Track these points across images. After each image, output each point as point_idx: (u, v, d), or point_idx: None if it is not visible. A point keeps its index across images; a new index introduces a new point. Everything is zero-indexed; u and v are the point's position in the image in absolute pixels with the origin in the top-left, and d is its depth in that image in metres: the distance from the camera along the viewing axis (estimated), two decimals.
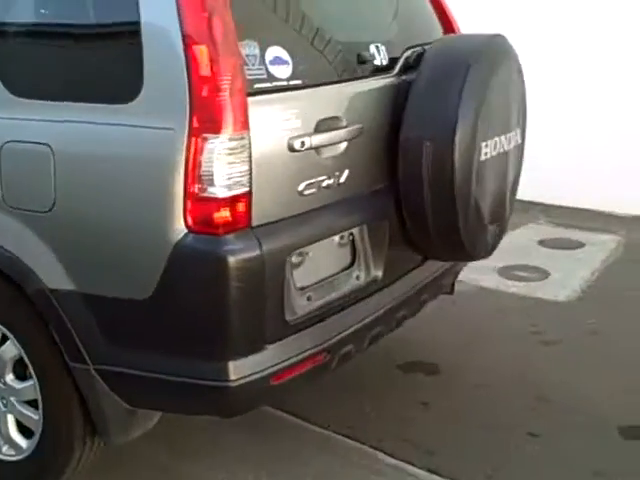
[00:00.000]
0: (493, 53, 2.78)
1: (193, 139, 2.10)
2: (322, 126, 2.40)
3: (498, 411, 3.24)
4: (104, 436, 2.47)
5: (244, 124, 2.14)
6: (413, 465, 2.87)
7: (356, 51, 2.64)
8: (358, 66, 2.64)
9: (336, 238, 2.58)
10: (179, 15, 2.09)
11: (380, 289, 2.74)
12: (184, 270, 2.17)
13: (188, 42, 2.09)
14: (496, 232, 2.96)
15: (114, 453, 2.70)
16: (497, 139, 2.77)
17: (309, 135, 2.34)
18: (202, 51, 2.08)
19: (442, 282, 3.19)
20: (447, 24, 3.29)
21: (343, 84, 2.56)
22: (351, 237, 2.64)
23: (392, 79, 2.73)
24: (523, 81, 3.01)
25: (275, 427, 3.10)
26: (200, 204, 2.13)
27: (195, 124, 2.10)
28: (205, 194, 2.13)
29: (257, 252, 2.17)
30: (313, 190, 2.40)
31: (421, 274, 2.97)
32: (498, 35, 2.87)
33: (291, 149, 2.29)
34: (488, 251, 2.98)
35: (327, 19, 2.69)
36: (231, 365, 2.23)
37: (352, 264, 2.66)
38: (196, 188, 2.12)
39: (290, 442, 3.01)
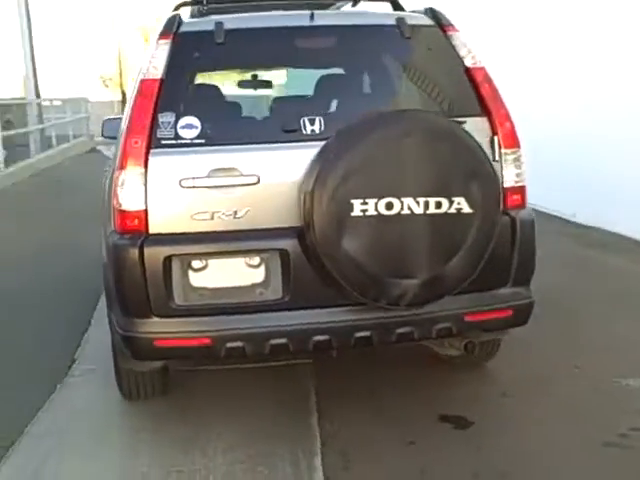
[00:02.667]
0: (385, 125, 3.23)
1: (116, 172, 3.44)
2: (218, 173, 3.38)
3: None
4: None
5: (134, 164, 3.36)
6: None
7: (280, 122, 3.47)
8: (276, 133, 3.44)
9: (242, 259, 3.45)
10: None
11: (286, 309, 3.43)
12: (109, 255, 3.49)
13: None
14: (420, 287, 3.30)
15: None
16: (390, 200, 3.20)
17: (200, 178, 3.37)
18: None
19: (400, 331, 3.49)
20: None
21: (254, 145, 3.44)
22: (262, 261, 3.45)
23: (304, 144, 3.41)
24: (456, 151, 3.27)
25: None
26: (117, 214, 3.44)
27: (117, 164, 3.44)
28: (119, 208, 3.43)
29: (138, 247, 3.34)
30: (205, 217, 3.39)
31: (360, 313, 3.43)
32: (411, 111, 3.27)
33: (183, 186, 3.38)
34: (410, 302, 3.33)
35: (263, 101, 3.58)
36: (126, 322, 3.45)
37: (262, 283, 3.46)
38: (116, 203, 3.45)
39: None
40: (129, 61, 35.26)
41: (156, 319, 3.38)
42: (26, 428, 3.87)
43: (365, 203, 3.20)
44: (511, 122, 3.64)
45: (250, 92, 3.93)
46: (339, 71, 3.89)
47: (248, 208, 3.40)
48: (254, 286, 3.43)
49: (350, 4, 4.69)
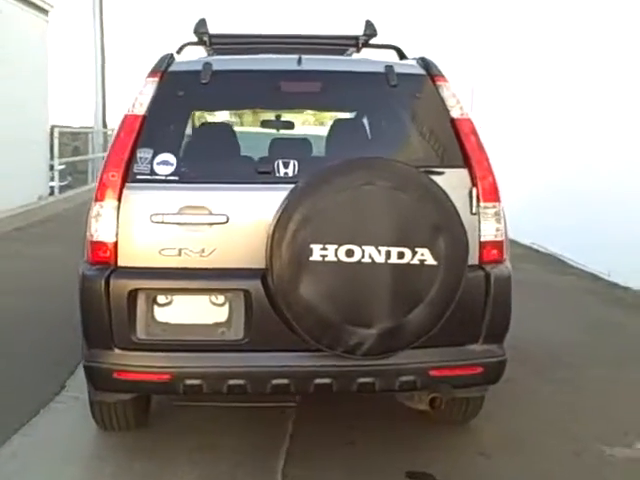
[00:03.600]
0: (348, 172, 3.22)
1: (92, 204, 3.50)
2: (188, 210, 3.41)
3: None
4: None
5: (108, 197, 3.42)
6: None
7: (255, 163, 3.49)
8: (250, 174, 3.46)
9: (207, 297, 3.46)
10: None
11: (246, 350, 3.42)
12: (78, 285, 3.54)
13: None
14: (378, 337, 3.25)
15: None
16: (350, 247, 3.18)
17: (170, 214, 3.41)
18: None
19: (358, 381, 3.44)
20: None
21: (227, 185, 3.46)
22: (226, 300, 3.45)
23: (276, 186, 3.40)
24: (421, 202, 3.24)
25: None
26: (89, 244, 3.50)
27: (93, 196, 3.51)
28: (91, 239, 3.49)
29: (104, 279, 3.39)
30: (173, 253, 3.41)
31: (320, 360, 3.38)
32: (376, 159, 3.26)
33: (153, 221, 3.42)
34: (366, 352, 3.28)
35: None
36: (89, 352, 3.49)
37: (224, 322, 3.46)
38: (89, 235, 3.50)
39: None
40: None
41: (118, 351, 3.40)
42: None
43: (325, 249, 3.18)
44: (493, 176, 3.59)
45: (235, 130, 3.97)
46: (320, 115, 3.90)
47: (215, 247, 3.41)
48: (217, 325, 3.43)
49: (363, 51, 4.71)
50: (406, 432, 4.20)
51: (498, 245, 3.58)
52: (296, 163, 3.47)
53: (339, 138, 3.81)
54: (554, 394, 4.78)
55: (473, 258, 3.52)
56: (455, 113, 3.63)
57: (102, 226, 3.40)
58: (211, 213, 3.41)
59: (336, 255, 3.19)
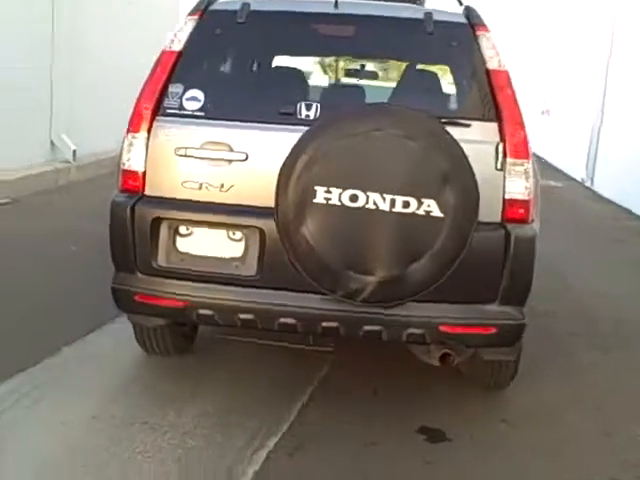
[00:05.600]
0: (358, 117, 3.19)
1: (125, 134, 3.66)
2: (210, 146, 3.51)
3: None
4: None
5: (139, 128, 3.57)
6: None
7: (279, 104, 3.51)
8: (272, 114, 3.49)
9: (225, 232, 3.54)
10: None
11: (257, 287, 3.49)
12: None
13: None
14: (379, 285, 3.24)
15: None
16: (355, 192, 3.17)
17: (192, 148, 3.52)
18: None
19: (372, 329, 3.43)
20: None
21: (249, 124, 3.51)
22: (243, 236, 3.53)
23: (296, 128, 3.38)
24: (432, 152, 3.16)
25: None
26: (120, 173, 3.67)
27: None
28: (123, 167, 3.65)
29: (130, 206, 3.56)
30: (194, 186, 3.52)
31: (328, 303, 3.39)
32: (387, 105, 3.20)
33: (177, 154, 3.54)
34: (366, 298, 3.28)
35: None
36: (115, 275, 3.68)
37: (239, 257, 3.54)
38: (121, 164, 3.66)
39: None
40: None
41: (140, 276, 3.57)
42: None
43: (329, 192, 3.18)
44: (524, 132, 3.44)
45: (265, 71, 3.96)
46: (353, 60, 3.85)
47: (234, 183, 3.48)
48: (232, 259, 3.52)
49: None
50: (433, 391, 4.16)
51: (524, 204, 3.44)
52: (318, 106, 3.46)
53: (363, 84, 3.75)
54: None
55: (495, 216, 3.41)
56: (492, 64, 3.49)
57: (132, 156, 3.55)
58: (231, 150, 3.47)
59: (340, 199, 3.18)
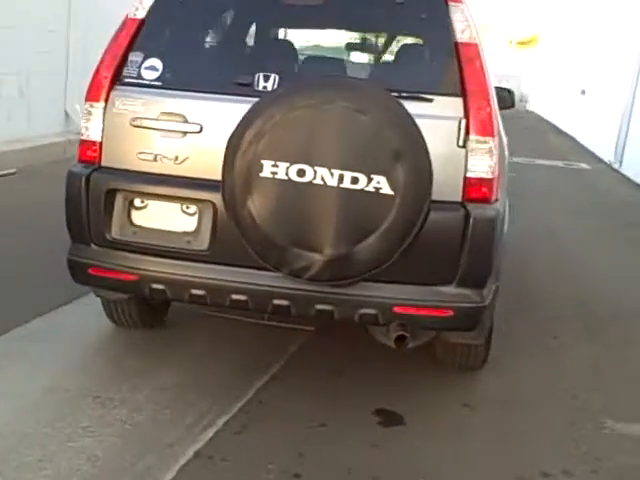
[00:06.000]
0: (307, 89, 3.08)
1: (84, 103, 3.59)
2: (165, 117, 3.42)
3: None
4: None
5: (97, 97, 3.50)
6: None
7: (234, 75, 3.40)
8: (229, 85, 3.38)
9: (179, 205, 3.46)
10: None
11: (208, 262, 3.40)
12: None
13: None
14: (325, 263, 3.14)
15: None
16: (302, 167, 3.07)
17: (147, 119, 3.43)
18: None
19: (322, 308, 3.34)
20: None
21: (206, 94, 3.41)
22: (197, 210, 3.45)
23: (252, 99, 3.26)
24: (383, 127, 3.03)
25: None
26: (80, 143, 3.60)
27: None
28: (81, 137, 3.59)
29: (85, 177, 3.50)
30: (149, 158, 3.44)
31: (279, 280, 3.30)
32: (337, 77, 3.09)
33: (132, 124, 3.46)
34: (313, 276, 3.18)
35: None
36: (71, 246, 3.63)
37: (192, 232, 3.46)
38: (80, 133, 3.60)
39: None
40: None
41: (94, 247, 3.51)
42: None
43: (276, 165, 3.08)
44: (490, 108, 3.30)
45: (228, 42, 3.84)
46: (316, 31, 3.71)
47: (188, 156, 3.39)
48: (185, 234, 3.44)
49: None
50: (402, 375, 4.05)
51: (487, 183, 3.30)
52: (276, 77, 3.35)
53: (322, 55, 3.61)
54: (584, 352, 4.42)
55: (456, 194, 3.29)
56: (461, 37, 3.34)
57: (90, 125, 3.49)
58: (186, 121, 3.38)
59: (287, 174, 3.08)
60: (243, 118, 3.13)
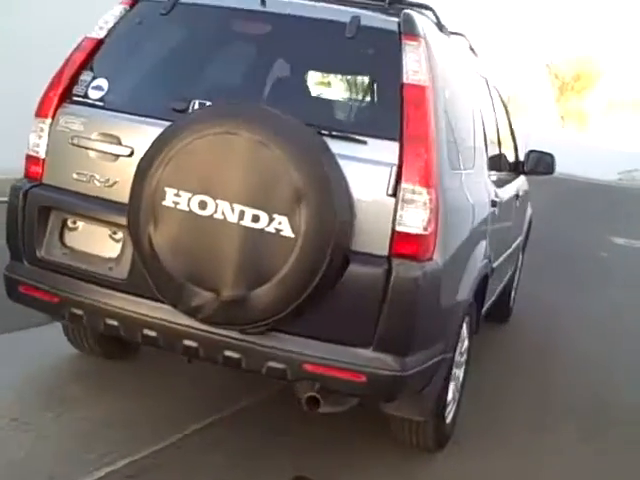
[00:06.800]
0: (216, 117, 2.91)
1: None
2: (101, 137, 3.32)
3: None
4: None
5: (45, 114, 3.46)
6: None
7: (171, 100, 3.26)
8: (165, 110, 3.23)
9: (107, 230, 3.33)
10: None
11: (125, 292, 3.24)
12: None
13: None
14: (221, 305, 2.92)
15: None
16: (204, 198, 2.89)
17: (85, 138, 3.35)
18: None
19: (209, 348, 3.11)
20: None
21: (142, 118, 3.29)
22: (122, 237, 3.31)
23: None
24: (288, 164, 2.81)
25: None
26: (25, 158, 3.55)
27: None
28: (27, 152, 3.54)
29: (23, 192, 3.43)
30: (84, 178, 3.34)
31: (191, 320, 3.07)
32: (249, 107, 2.91)
33: (72, 143, 3.39)
34: (205, 317, 2.97)
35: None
36: (9, 263, 3.57)
37: (115, 258, 3.31)
38: (27, 149, 3.55)
39: None
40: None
41: (27, 265, 3.43)
42: None
43: (178, 195, 2.91)
44: (429, 155, 2.99)
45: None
46: (262, 60, 3.50)
47: (119, 179, 3.27)
48: (109, 260, 3.31)
49: None
50: (343, 443, 3.71)
51: (419, 239, 2.98)
52: (210, 105, 3.18)
53: (275, 87, 3.39)
54: None
55: (382, 248, 2.99)
56: (409, 78, 3.06)
57: (36, 141, 3.44)
58: (120, 144, 3.27)
59: (188, 204, 2.90)
60: (153, 142, 2.98)
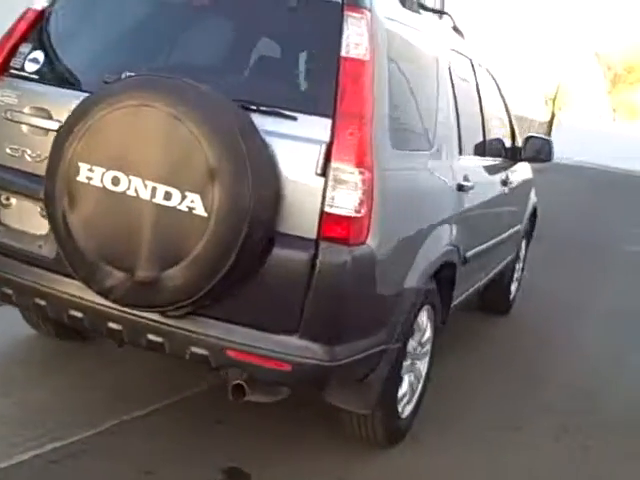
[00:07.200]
0: (129, 90, 2.77)
1: None
2: (32, 112, 3.21)
3: None
4: None
5: None
6: None
7: (103, 71, 3.11)
8: (96, 83, 3.07)
9: (37, 206, 3.20)
10: None
11: (52, 271, 3.12)
12: None
13: None
14: (133, 286, 2.79)
15: None
16: (117, 174, 2.74)
17: (18, 112, 3.24)
18: None
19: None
20: None
21: (73, 92, 3.15)
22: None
23: None
24: (202, 140, 2.64)
25: None
26: None
27: None
28: None
29: None
30: (16, 154, 3.23)
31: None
32: (163, 79, 2.76)
33: (5, 116, 3.28)
34: (118, 298, 2.84)
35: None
36: None
37: (44, 236, 3.18)
38: None
39: None
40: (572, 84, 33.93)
41: None
42: None
43: (92, 170, 2.77)
44: (364, 134, 2.81)
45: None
46: (196, 30, 3.33)
47: (48, 154, 3.15)
48: (39, 237, 3.20)
49: None
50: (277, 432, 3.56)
51: (351, 222, 2.81)
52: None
53: (207, 58, 3.23)
54: None
55: (310, 230, 2.82)
56: (348, 51, 2.88)
57: None
58: (50, 118, 3.15)
59: (102, 180, 2.76)
60: (69, 115, 2.85)
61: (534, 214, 6.42)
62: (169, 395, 3.71)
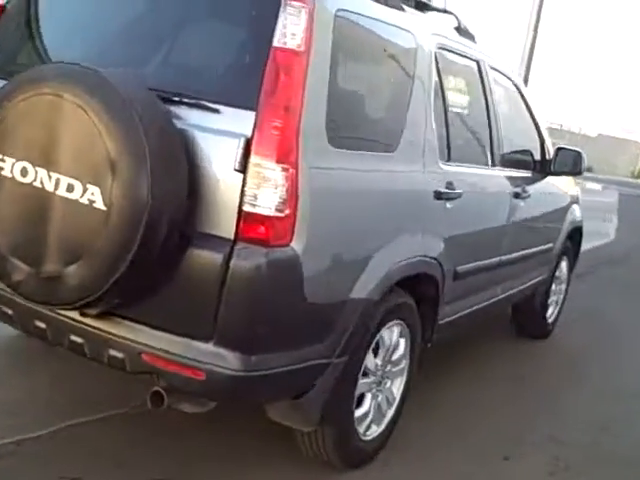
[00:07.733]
0: (37, 80, 2.68)
1: None
2: None
3: None
4: None
5: None
6: None
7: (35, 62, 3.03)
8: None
9: None
10: None
11: None
12: None
13: None
14: (39, 282, 2.68)
15: None
16: (28, 166, 2.64)
17: None
18: None
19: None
20: None
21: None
22: None
23: None
24: (103, 131, 2.51)
25: None
26: None
27: None
28: None
29: None
30: None
31: None
32: (71, 67, 2.63)
33: None
34: (25, 293, 2.73)
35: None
36: None
37: None
38: None
39: None
40: None
41: None
42: None
43: (3, 160, 2.68)
44: (288, 128, 2.62)
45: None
46: (124, 16, 3.17)
47: None
48: None
49: None
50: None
51: (271, 222, 2.61)
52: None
53: (131, 46, 3.08)
54: None
55: (228, 230, 2.64)
56: (281, 41, 2.68)
57: None
58: None
59: (12, 171, 2.67)
60: None
61: (577, 232, 6.00)
62: (122, 404, 3.56)
